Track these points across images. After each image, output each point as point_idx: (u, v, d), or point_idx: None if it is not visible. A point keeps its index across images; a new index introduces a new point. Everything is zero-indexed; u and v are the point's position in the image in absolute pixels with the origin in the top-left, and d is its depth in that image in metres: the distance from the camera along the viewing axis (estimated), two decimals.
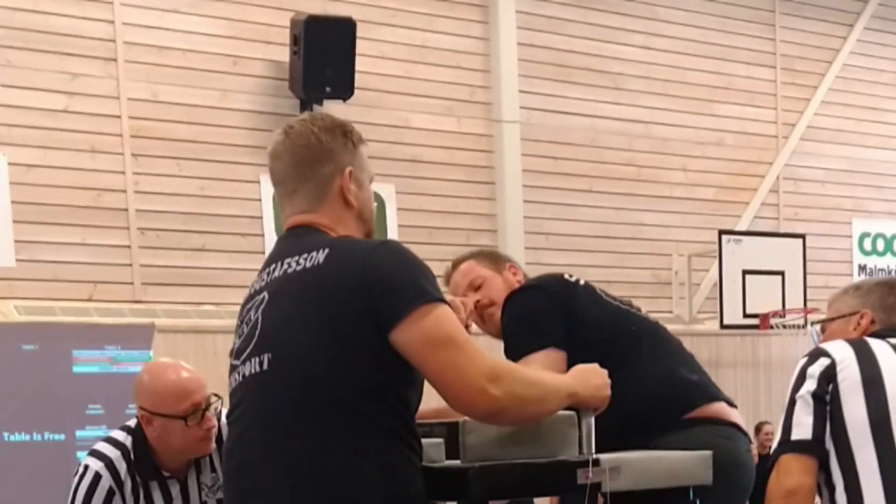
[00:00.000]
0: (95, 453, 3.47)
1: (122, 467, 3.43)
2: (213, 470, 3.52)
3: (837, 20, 12.28)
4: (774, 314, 11.02)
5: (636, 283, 10.36)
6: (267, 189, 8.79)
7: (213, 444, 3.46)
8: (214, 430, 3.43)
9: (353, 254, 2.63)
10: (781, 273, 11.15)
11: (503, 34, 10.21)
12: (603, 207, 10.87)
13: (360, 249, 2.64)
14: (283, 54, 9.13)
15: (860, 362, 2.98)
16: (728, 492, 3.35)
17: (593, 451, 2.81)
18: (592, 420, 2.81)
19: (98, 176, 8.58)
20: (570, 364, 3.18)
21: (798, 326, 11.06)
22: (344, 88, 9.11)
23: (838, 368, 2.97)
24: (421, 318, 2.54)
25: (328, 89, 9.08)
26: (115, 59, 8.62)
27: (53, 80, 8.40)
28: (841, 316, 3.28)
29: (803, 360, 3.03)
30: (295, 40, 8.99)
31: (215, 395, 3.41)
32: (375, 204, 2.90)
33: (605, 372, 2.84)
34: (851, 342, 3.06)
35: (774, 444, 3.01)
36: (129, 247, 8.69)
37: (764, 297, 10.97)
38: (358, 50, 9.07)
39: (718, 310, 10.93)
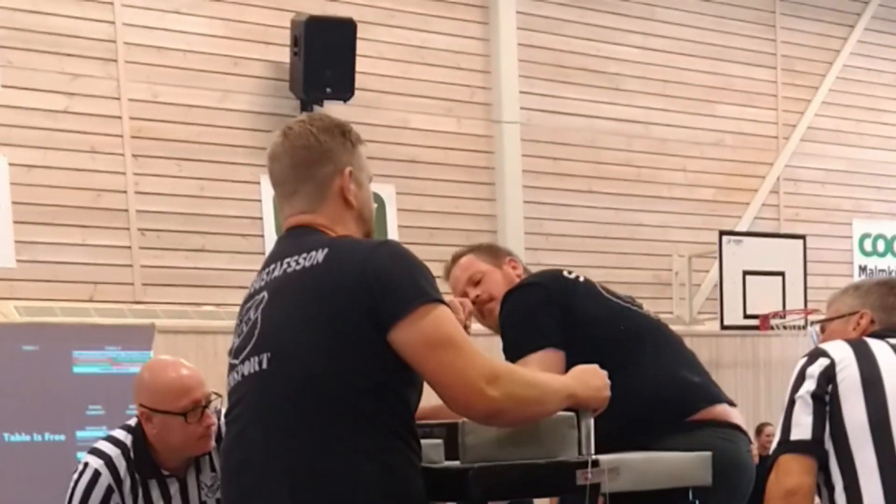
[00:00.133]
0: (95, 451, 3.48)
1: (121, 465, 3.43)
2: (213, 469, 3.52)
3: (837, 20, 12.28)
4: (775, 315, 11.02)
5: (636, 284, 10.34)
6: (267, 190, 8.79)
7: (213, 443, 3.46)
8: (214, 428, 3.43)
9: (352, 253, 2.63)
10: (782, 274, 11.15)
11: (503, 35, 10.21)
12: (603, 208, 10.87)
13: (359, 249, 2.64)
14: (284, 55, 9.14)
15: (860, 362, 2.98)
16: (728, 493, 3.35)
17: (593, 451, 2.80)
18: (592, 421, 2.81)
19: (98, 176, 8.58)
20: (571, 362, 3.17)
21: (798, 327, 11.05)
22: (344, 89, 9.11)
23: (838, 369, 2.97)
24: (420, 318, 2.54)
25: (328, 90, 9.08)
26: (115, 60, 8.63)
27: (53, 81, 8.40)
28: (840, 316, 3.28)
29: (803, 361, 3.03)
30: (295, 41, 9.00)
31: (215, 393, 3.42)
32: (375, 204, 2.90)
33: (604, 373, 2.84)
34: (851, 342, 3.06)
35: (774, 445, 3.01)
36: (129, 247, 8.70)
37: (764, 297, 10.96)
38: (358, 51, 9.07)
39: (719, 310, 10.93)
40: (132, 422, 3.52)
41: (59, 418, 7.77)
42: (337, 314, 2.57)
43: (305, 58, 8.92)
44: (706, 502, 3.05)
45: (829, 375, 2.96)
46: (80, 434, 7.73)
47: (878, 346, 3.04)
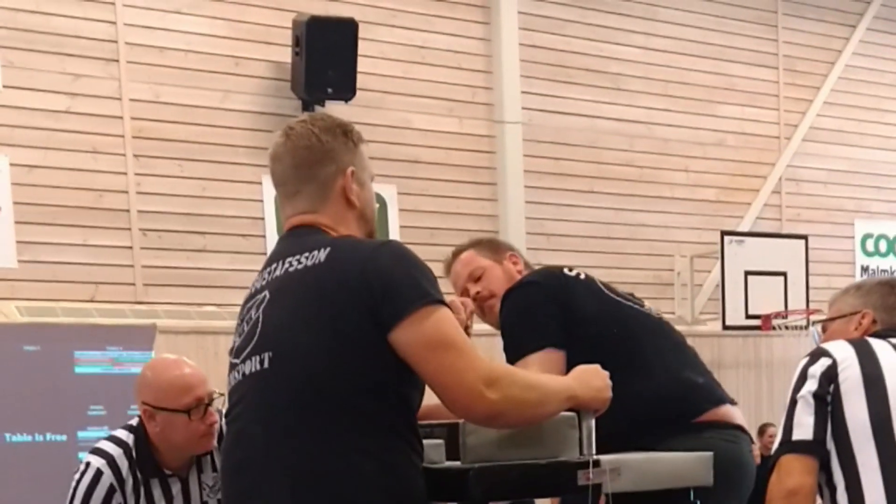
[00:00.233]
0: (97, 451, 3.48)
1: (123, 465, 3.43)
2: (215, 469, 3.52)
3: (839, 20, 12.27)
4: (777, 315, 11.02)
5: (638, 284, 10.33)
6: (268, 190, 8.79)
7: (215, 442, 3.46)
8: (216, 427, 3.43)
9: (354, 253, 2.62)
10: (784, 274, 11.14)
11: (504, 35, 10.21)
12: (604, 208, 10.87)
13: (361, 249, 2.64)
14: (285, 55, 9.13)
15: (861, 362, 2.97)
16: (730, 494, 3.34)
17: (594, 452, 2.80)
18: (593, 422, 2.80)
19: (99, 177, 8.58)
20: (571, 361, 3.16)
21: (800, 327, 11.05)
22: (346, 89, 9.11)
23: (839, 368, 2.97)
24: (420, 319, 2.54)
25: (330, 90, 9.08)
26: (116, 60, 8.63)
27: (55, 81, 8.40)
28: (842, 316, 3.28)
29: (804, 360, 3.03)
30: (296, 41, 8.99)
31: (217, 392, 3.42)
32: (376, 205, 2.90)
33: (605, 374, 2.83)
34: (852, 342, 3.06)
35: (775, 445, 3.00)
36: (130, 248, 8.70)
37: (766, 298, 10.96)
38: (359, 51, 9.07)
39: (721, 311, 10.93)
40: (133, 421, 3.52)
41: (60, 418, 7.77)
42: (338, 314, 2.56)
43: (307, 58, 8.92)
44: (707, 502, 3.05)
45: (830, 375, 2.96)
46: (81, 434, 7.73)
47: (879, 346, 3.03)
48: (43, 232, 8.35)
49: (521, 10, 10.35)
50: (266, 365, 2.63)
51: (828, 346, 3.06)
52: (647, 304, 3.69)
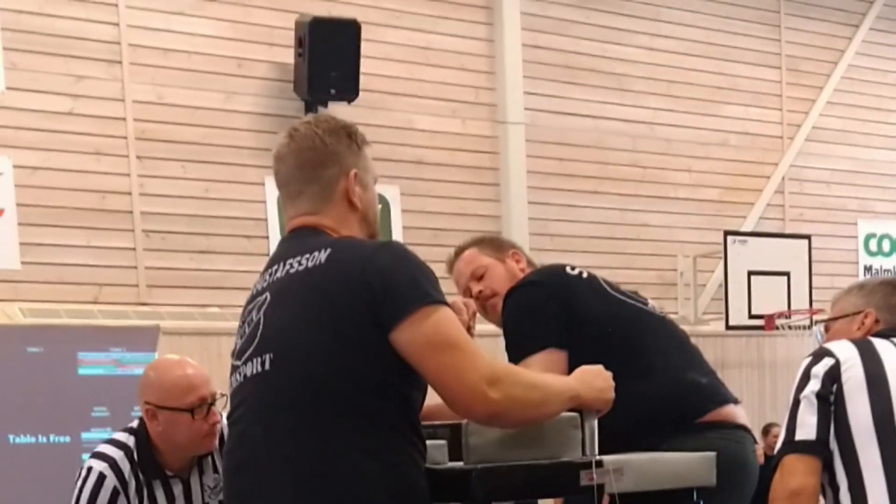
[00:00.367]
0: (98, 455, 3.48)
1: (125, 467, 3.43)
2: (216, 471, 3.52)
3: (843, 20, 12.27)
4: (780, 315, 11.01)
5: (641, 284, 10.28)
6: (272, 191, 8.80)
7: (217, 443, 3.47)
8: (219, 426, 3.43)
9: (355, 254, 2.63)
10: (787, 274, 11.14)
11: (507, 36, 10.21)
12: (608, 208, 10.86)
13: (362, 250, 2.65)
14: (288, 56, 9.13)
15: (864, 362, 2.97)
16: (734, 494, 3.34)
17: (596, 452, 2.80)
18: (596, 422, 2.80)
19: (103, 178, 8.58)
20: (574, 360, 3.16)
21: (804, 327, 11.04)
22: (349, 90, 9.11)
23: (842, 368, 2.96)
24: (421, 320, 2.54)
25: (333, 91, 9.08)
26: (119, 62, 8.63)
27: (58, 83, 8.41)
28: (844, 315, 3.28)
29: (807, 360, 3.03)
30: (299, 42, 8.99)
31: (220, 393, 3.43)
32: (380, 206, 2.91)
33: (608, 374, 2.83)
34: (855, 342, 3.06)
35: (778, 445, 3.00)
36: (133, 249, 8.70)
37: (769, 297, 10.95)
38: (362, 52, 9.07)
39: (724, 311, 10.92)
40: (133, 424, 3.52)
41: (64, 420, 7.77)
42: (339, 315, 2.57)
43: (310, 59, 8.91)
44: (711, 503, 3.05)
45: (833, 375, 2.96)
46: (85, 436, 7.73)
47: (882, 346, 3.03)
48: (46, 233, 8.36)
49: (524, 11, 10.34)
50: (267, 366, 2.64)
51: (831, 345, 3.06)
52: (650, 302, 3.69)
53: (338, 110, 8.88)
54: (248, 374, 2.68)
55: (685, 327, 3.82)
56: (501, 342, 3.50)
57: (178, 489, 3.50)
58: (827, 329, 3.36)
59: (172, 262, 8.83)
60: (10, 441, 7.66)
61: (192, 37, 8.91)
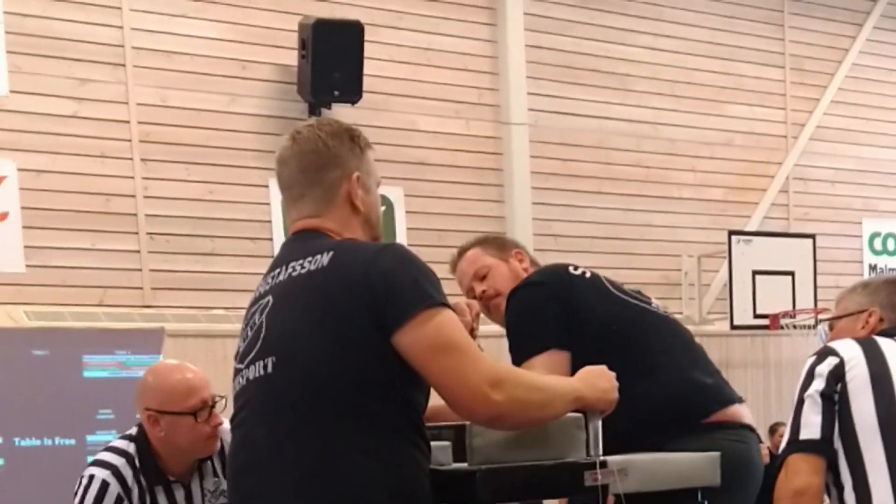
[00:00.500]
0: (99, 462, 3.47)
1: (128, 474, 3.43)
2: (216, 475, 3.53)
3: (847, 19, 12.26)
4: (785, 314, 11.00)
5: (645, 284, 10.31)
6: (276, 193, 8.73)
7: (218, 445, 3.47)
8: (221, 428, 3.44)
9: (357, 256, 2.63)
10: (791, 273, 11.13)
11: (511, 36, 10.21)
12: (611, 209, 10.86)
13: (364, 252, 2.65)
14: (292, 58, 9.14)
15: (868, 361, 2.97)
16: (739, 494, 3.34)
17: (601, 453, 2.80)
18: (599, 423, 2.80)
19: (107, 181, 8.59)
20: (577, 360, 3.16)
21: (808, 327, 11.02)
22: (352, 92, 9.11)
23: (847, 367, 2.96)
24: (423, 322, 2.54)
25: (336, 93, 9.07)
26: (123, 65, 8.64)
27: (62, 86, 8.42)
28: (849, 314, 3.28)
29: (811, 359, 3.03)
30: (303, 44, 8.99)
31: (219, 396, 3.43)
32: (384, 208, 2.91)
33: (612, 375, 2.82)
34: (859, 341, 3.06)
35: (783, 444, 3.00)
36: (138, 251, 8.71)
37: (774, 297, 10.94)
38: (365, 53, 9.07)
39: (728, 310, 10.91)
40: (132, 431, 3.52)
41: (69, 423, 7.78)
42: (341, 317, 2.57)
43: (313, 61, 8.91)
44: (715, 503, 3.04)
45: (838, 374, 2.96)
46: (90, 438, 7.74)
47: (887, 345, 3.03)
48: (51, 236, 8.37)
49: (527, 12, 10.34)
50: (270, 369, 2.64)
51: (835, 344, 3.06)
52: (654, 301, 3.68)
53: (341, 112, 8.89)
54: (251, 377, 2.68)
55: (690, 327, 3.81)
56: (505, 343, 3.49)
57: (179, 494, 3.50)
58: (831, 328, 3.36)
59: (177, 264, 8.84)
60: (16, 444, 7.67)
61: (196, 39, 8.91)
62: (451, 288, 2.75)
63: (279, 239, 8.89)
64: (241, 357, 2.75)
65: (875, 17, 12.35)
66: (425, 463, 2.64)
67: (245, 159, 9.06)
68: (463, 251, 3.80)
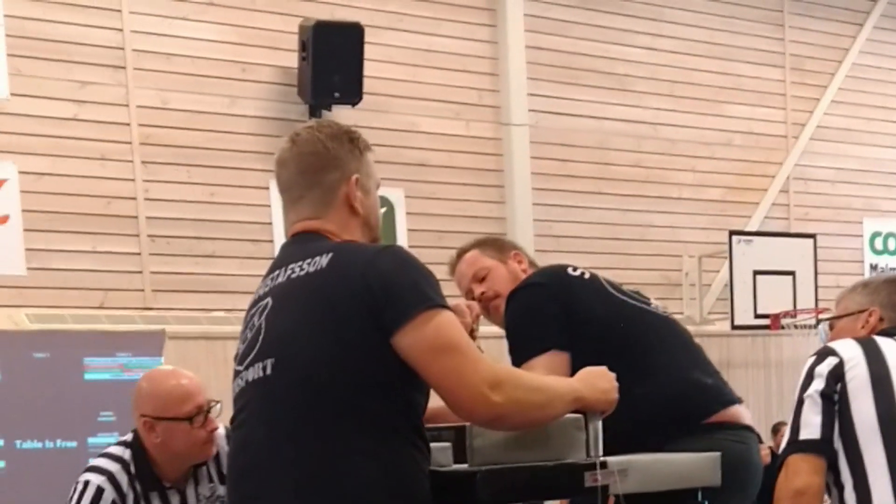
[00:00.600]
0: (94, 468, 3.47)
1: (123, 480, 3.43)
2: (211, 480, 3.53)
3: (847, 19, 12.26)
4: (785, 314, 11.00)
5: (646, 285, 10.31)
6: (276, 195, 8.76)
7: (214, 450, 3.47)
8: (217, 433, 3.44)
9: (356, 258, 2.63)
10: (792, 273, 11.13)
11: (511, 37, 10.21)
12: (612, 209, 10.86)
13: (363, 254, 2.65)
14: (292, 60, 9.14)
15: (868, 361, 2.97)
16: (739, 495, 3.34)
17: (601, 453, 2.80)
18: (600, 423, 2.80)
19: (108, 184, 8.60)
20: (577, 361, 3.16)
21: (809, 326, 11.02)
22: (352, 93, 9.11)
23: (847, 367, 2.96)
24: (422, 324, 2.54)
25: (337, 95, 9.08)
26: (123, 67, 8.64)
27: (62, 89, 8.42)
28: (849, 314, 3.28)
29: (811, 359, 3.03)
30: (303, 46, 9.00)
31: (214, 400, 3.44)
32: (384, 209, 2.91)
33: (612, 375, 2.82)
34: (859, 340, 3.06)
35: (783, 444, 3.00)
36: (139, 254, 8.71)
37: (775, 297, 10.95)
38: (366, 55, 9.08)
39: (729, 310, 10.92)
40: (127, 437, 3.52)
41: (70, 425, 7.79)
42: (341, 319, 2.57)
43: (313, 63, 8.92)
44: (716, 503, 3.04)
45: (837, 374, 2.96)
46: (91, 441, 7.74)
47: (887, 345, 3.03)
48: (52, 239, 8.37)
49: (527, 13, 10.35)
50: (269, 371, 2.64)
51: (834, 344, 3.06)
52: (654, 301, 3.68)
53: (341, 114, 8.89)
54: (250, 379, 2.68)
55: (690, 327, 3.81)
56: (505, 344, 3.50)
57: (175, 500, 3.50)
58: (831, 327, 3.36)
59: (178, 266, 8.84)
60: (17, 446, 7.67)
61: (196, 41, 8.92)
62: (450, 289, 2.75)
63: (280, 241, 8.82)
64: (240, 359, 2.75)
65: (875, 17, 12.35)
66: (425, 464, 2.64)
67: (245, 161, 9.06)
68: (461, 253, 3.79)
